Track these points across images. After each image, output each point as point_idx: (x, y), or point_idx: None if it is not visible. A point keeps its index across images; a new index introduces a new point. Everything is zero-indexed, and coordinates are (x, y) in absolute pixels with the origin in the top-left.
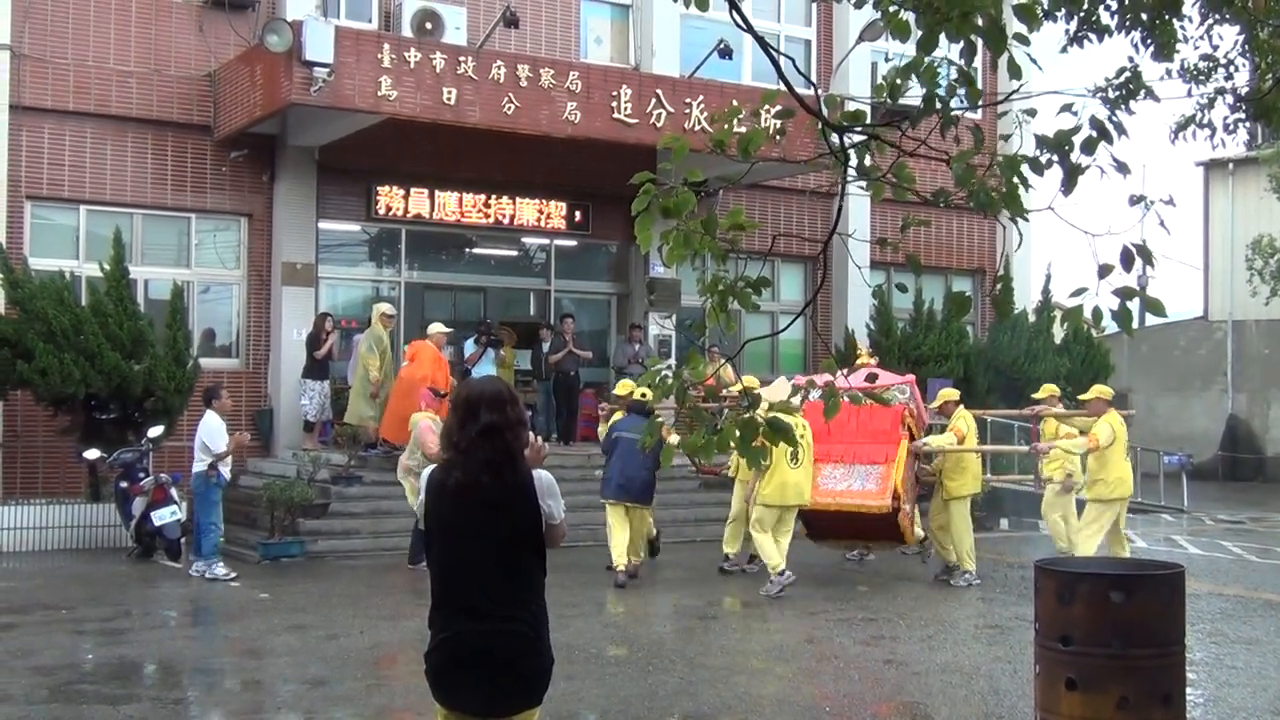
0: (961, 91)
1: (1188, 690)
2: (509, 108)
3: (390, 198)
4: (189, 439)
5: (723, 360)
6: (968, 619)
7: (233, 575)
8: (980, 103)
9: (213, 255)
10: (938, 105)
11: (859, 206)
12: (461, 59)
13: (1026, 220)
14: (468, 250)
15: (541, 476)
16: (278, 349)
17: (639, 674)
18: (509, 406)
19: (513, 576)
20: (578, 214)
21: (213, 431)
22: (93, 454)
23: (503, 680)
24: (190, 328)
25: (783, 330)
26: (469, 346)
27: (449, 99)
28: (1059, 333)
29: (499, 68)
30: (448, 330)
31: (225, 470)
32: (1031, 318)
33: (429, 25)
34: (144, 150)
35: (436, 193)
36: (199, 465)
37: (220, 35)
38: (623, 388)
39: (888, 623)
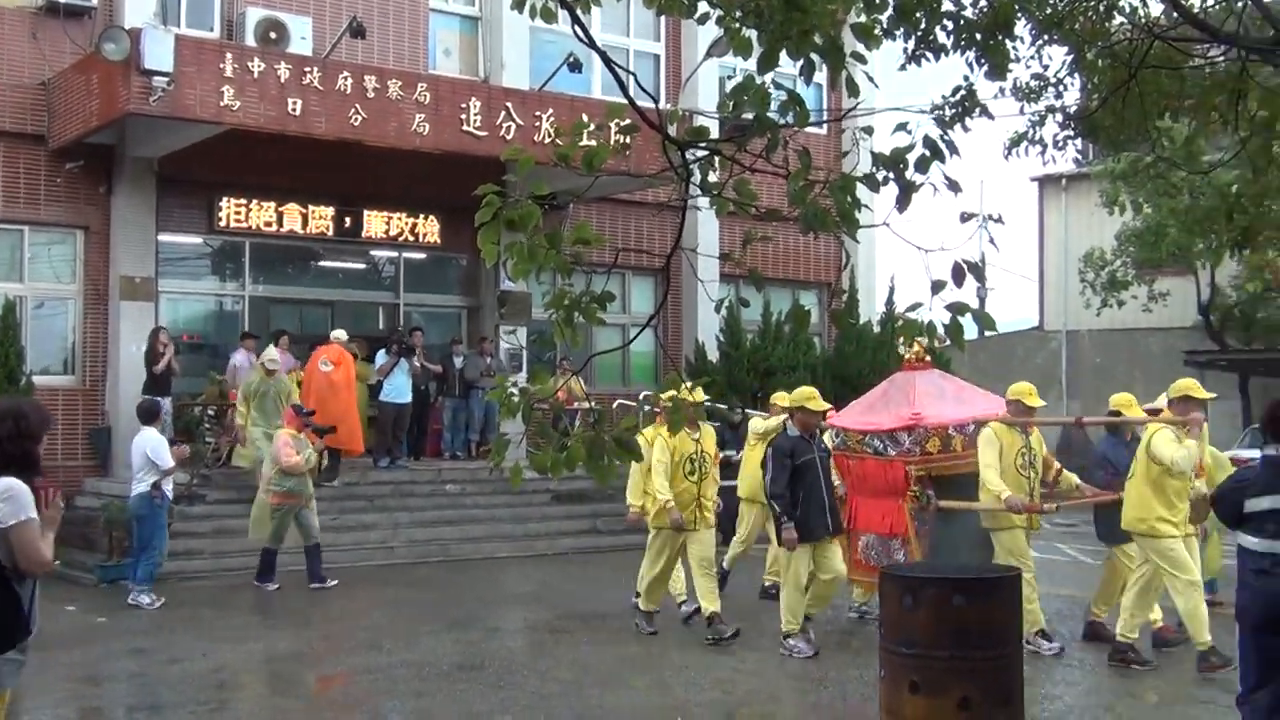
0: (792, 113)
1: (1026, 689)
2: (356, 119)
3: (233, 210)
4: None
5: (570, 374)
6: (817, 626)
7: (159, 602)
8: (809, 124)
9: (47, 269)
10: (768, 126)
11: (708, 220)
12: (307, 69)
13: (857, 241)
14: (314, 263)
15: None
16: (115, 365)
17: (490, 689)
18: (17, 421)
19: None
20: (427, 226)
21: (158, 446)
22: None
23: None
24: (23, 344)
25: (629, 343)
26: (380, 357)
27: (294, 110)
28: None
29: (345, 79)
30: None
31: (169, 488)
32: (876, 329)
33: (273, 35)
34: None
35: (282, 205)
36: (140, 485)
37: (55, 43)
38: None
39: (741, 633)
